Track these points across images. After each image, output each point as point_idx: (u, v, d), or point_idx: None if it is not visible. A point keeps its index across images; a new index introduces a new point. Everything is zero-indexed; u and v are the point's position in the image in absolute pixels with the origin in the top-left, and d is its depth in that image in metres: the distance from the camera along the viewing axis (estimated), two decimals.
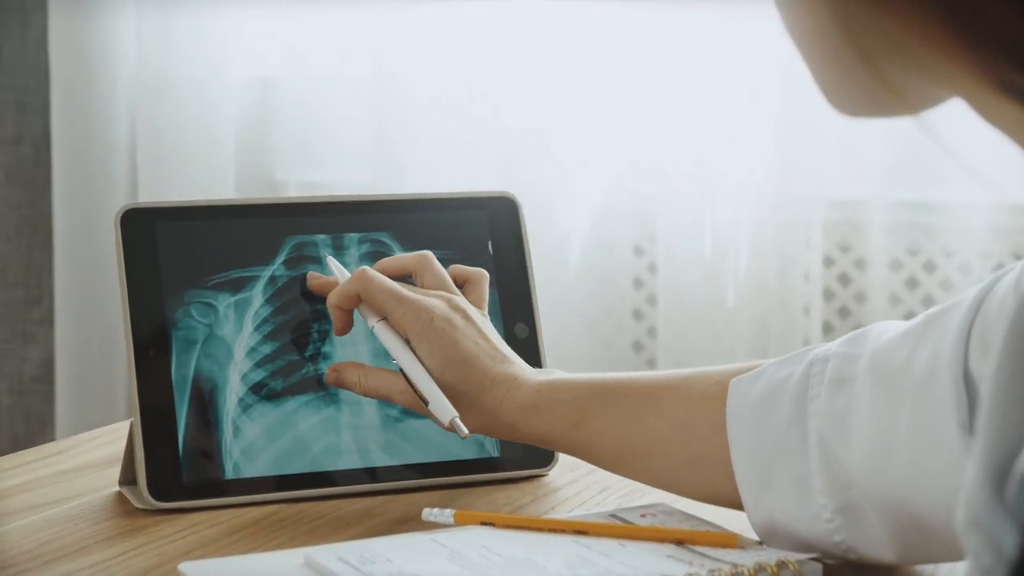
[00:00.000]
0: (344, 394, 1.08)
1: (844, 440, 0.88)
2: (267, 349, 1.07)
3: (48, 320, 2.39)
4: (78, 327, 2.31)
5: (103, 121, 2.30)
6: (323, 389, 1.08)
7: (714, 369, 0.96)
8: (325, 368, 1.07)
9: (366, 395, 1.06)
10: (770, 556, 0.89)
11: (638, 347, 2.18)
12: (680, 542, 0.92)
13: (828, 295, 2.09)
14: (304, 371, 1.08)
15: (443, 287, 1.06)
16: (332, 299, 1.05)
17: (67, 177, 2.31)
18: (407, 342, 1.03)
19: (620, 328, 2.16)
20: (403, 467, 1.08)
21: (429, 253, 1.08)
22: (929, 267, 2.05)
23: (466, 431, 1.01)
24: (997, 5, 0.48)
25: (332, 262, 1.09)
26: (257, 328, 1.08)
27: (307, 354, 1.08)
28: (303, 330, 1.09)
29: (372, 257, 1.11)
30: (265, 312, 1.08)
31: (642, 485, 1.09)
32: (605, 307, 2.16)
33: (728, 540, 0.91)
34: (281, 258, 1.09)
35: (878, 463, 0.86)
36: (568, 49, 2.12)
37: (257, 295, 1.08)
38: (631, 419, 0.97)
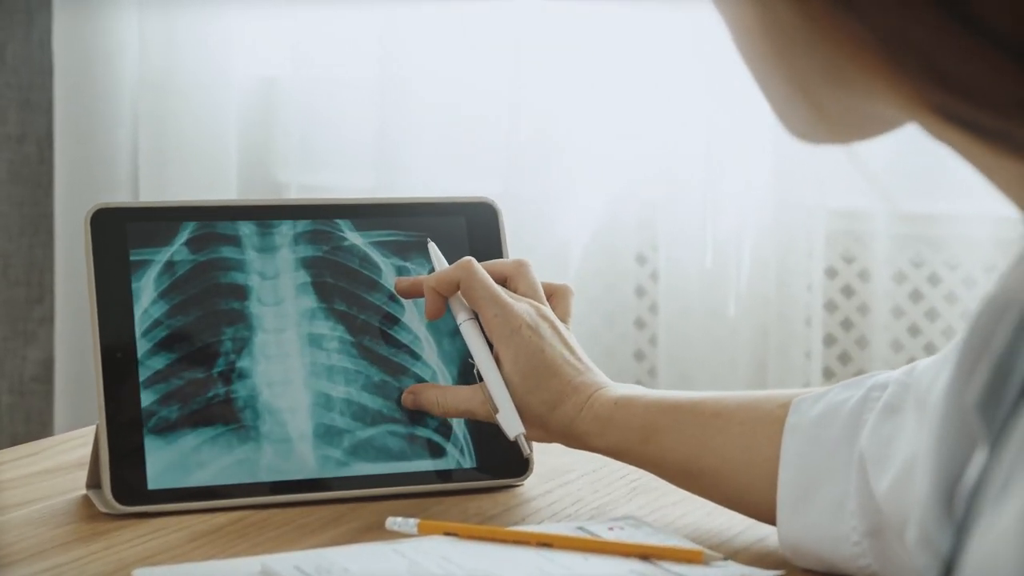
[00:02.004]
0: (263, 428, 1.06)
1: (881, 464, 0.88)
2: (158, 363, 1.06)
3: (49, 319, 2.38)
4: (79, 327, 2.30)
5: (106, 120, 2.29)
6: (236, 421, 1.06)
7: (782, 392, 0.98)
8: (239, 389, 1.06)
9: (446, 415, 1.08)
10: (733, 572, 0.87)
11: (639, 356, 2.16)
12: (645, 557, 0.90)
13: (831, 307, 2.07)
14: (210, 395, 1.07)
15: (534, 296, 1.08)
16: (432, 282, 1.07)
17: (70, 176, 2.30)
18: (491, 346, 1.05)
19: (622, 336, 2.15)
20: (374, 475, 1.07)
21: (527, 260, 1.10)
22: (933, 280, 2.03)
23: (528, 451, 1.05)
24: (924, 31, 0.48)
25: (433, 248, 1.11)
26: (145, 334, 1.07)
27: (215, 370, 1.07)
28: (211, 336, 1.07)
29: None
30: (157, 312, 1.07)
31: (614, 499, 1.08)
32: (607, 315, 2.14)
33: (694, 556, 0.90)
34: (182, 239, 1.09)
35: (902, 487, 0.86)
36: (571, 56, 2.10)
37: (148, 286, 1.07)
38: (698, 438, 0.98)
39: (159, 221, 1.07)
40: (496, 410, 1.04)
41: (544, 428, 1.04)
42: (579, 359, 1.05)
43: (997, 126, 0.49)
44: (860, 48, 0.50)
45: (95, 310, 1.04)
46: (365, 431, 1.09)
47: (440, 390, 1.08)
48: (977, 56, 0.48)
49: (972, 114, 0.49)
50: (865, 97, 0.52)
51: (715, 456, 0.97)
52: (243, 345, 1.08)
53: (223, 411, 1.06)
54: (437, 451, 1.09)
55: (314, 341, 1.10)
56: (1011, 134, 0.49)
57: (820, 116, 0.54)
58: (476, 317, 1.07)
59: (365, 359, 1.11)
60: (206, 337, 1.07)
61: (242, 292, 1.09)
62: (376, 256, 1.14)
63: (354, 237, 1.13)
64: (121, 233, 1.06)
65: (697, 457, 0.98)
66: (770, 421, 0.95)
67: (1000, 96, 0.48)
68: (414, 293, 1.10)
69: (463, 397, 1.06)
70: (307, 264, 1.12)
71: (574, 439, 1.03)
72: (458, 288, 1.07)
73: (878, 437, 0.89)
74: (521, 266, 1.09)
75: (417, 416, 1.10)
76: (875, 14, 0.49)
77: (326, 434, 1.08)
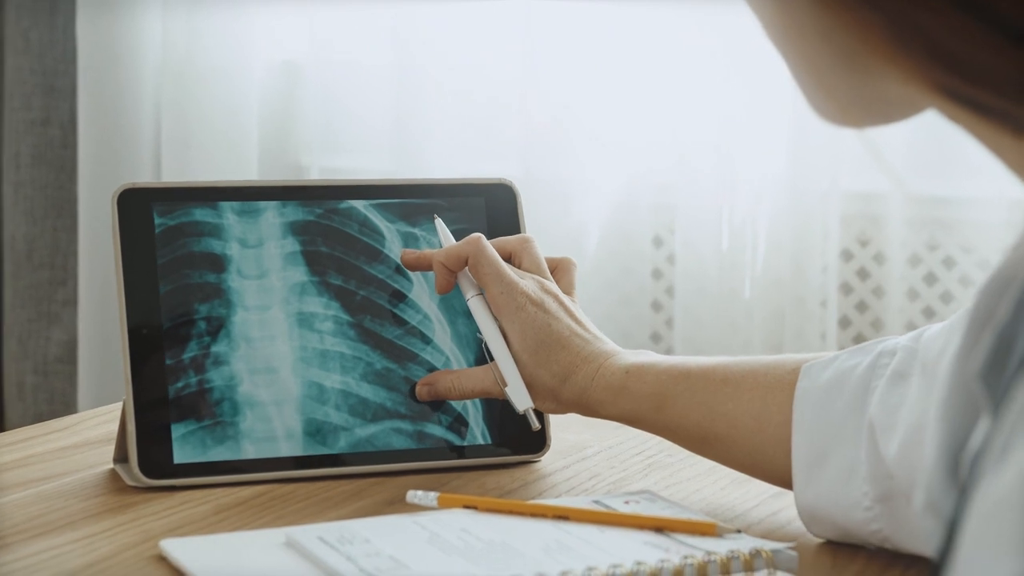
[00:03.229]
0: (242, 425, 1.06)
1: (889, 430, 0.89)
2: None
3: (72, 301, 2.41)
4: (101, 309, 2.33)
5: (129, 104, 2.31)
6: (211, 417, 1.06)
7: (791, 357, 0.99)
8: (214, 378, 1.06)
9: (464, 399, 1.09)
10: (745, 544, 0.89)
11: (656, 338, 2.18)
12: (660, 529, 0.92)
13: (846, 289, 2.09)
14: (179, 385, 1.07)
15: (539, 271, 1.09)
16: (441, 256, 1.08)
17: (93, 160, 2.32)
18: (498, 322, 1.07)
19: (639, 318, 2.16)
20: (395, 451, 1.09)
21: (530, 236, 1.11)
22: (948, 262, 2.04)
23: (537, 425, 1.06)
24: (929, 15, 0.50)
25: (440, 223, 1.12)
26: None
27: (186, 355, 1.06)
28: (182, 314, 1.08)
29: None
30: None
31: (630, 474, 1.10)
32: (624, 297, 2.16)
33: (707, 528, 0.92)
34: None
35: (910, 452, 0.87)
36: (587, 40, 2.12)
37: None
38: (710, 404, 1.00)
39: (185, 201, 1.09)
40: (505, 385, 1.05)
41: (556, 400, 1.05)
42: (586, 329, 1.07)
43: (1001, 106, 0.51)
44: (869, 32, 0.51)
45: (122, 288, 1.06)
46: (365, 428, 1.08)
47: (454, 375, 1.09)
48: (980, 39, 0.49)
49: (977, 95, 0.51)
50: (876, 81, 0.54)
51: (727, 422, 0.99)
52: (220, 325, 1.08)
53: (196, 405, 1.05)
54: (455, 429, 1.11)
55: (304, 321, 1.09)
56: (1014, 114, 0.51)
57: (833, 100, 0.56)
58: (481, 294, 1.08)
59: (365, 343, 1.10)
60: (176, 316, 1.07)
61: (219, 262, 1.09)
62: (379, 221, 1.12)
63: (352, 200, 1.12)
64: (147, 212, 1.08)
65: (710, 423, 1.00)
66: (781, 387, 0.97)
67: (1002, 77, 0.50)
68: (421, 266, 1.10)
69: (478, 377, 1.08)
70: (296, 230, 1.11)
71: (587, 409, 1.05)
72: (467, 264, 1.08)
73: (887, 404, 0.90)
74: (525, 242, 1.10)
75: (426, 412, 1.09)
76: (889, 5, 0.50)
77: (318, 432, 1.07)
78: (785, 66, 0.58)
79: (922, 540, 0.89)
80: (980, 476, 0.52)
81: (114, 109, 2.31)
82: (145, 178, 2.29)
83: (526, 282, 1.07)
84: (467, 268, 1.08)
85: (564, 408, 1.06)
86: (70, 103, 2.38)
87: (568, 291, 1.10)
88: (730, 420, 0.99)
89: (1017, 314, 0.56)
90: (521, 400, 1.05)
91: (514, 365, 1.06)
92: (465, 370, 1.09)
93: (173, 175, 2.27)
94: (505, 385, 1.06)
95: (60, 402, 2.42)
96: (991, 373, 0.55)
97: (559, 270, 1.11)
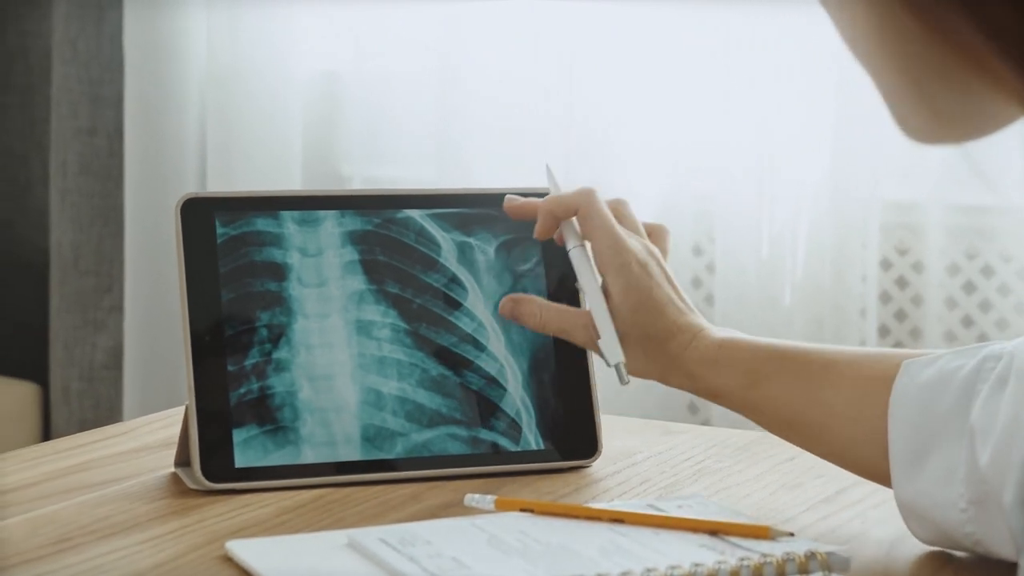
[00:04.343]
0: (303, 430, 1.09)
1: (987, 435, 0.88)
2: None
3: (118, 308, 2.44)
4: (147, 315, 2.36)
5: (174, 114, 2.35)
6: (273, 423, 1.08)
7: (892, 351, 0.98)
8: (276, 384, 1.08)
9: (543, 330, 1.08)
10: (800, 547, 0.91)
11: None
12: (714, 532, 0.94)
13: (885, 298, 2.10)
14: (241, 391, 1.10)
15: (637, 233, 1.08)
16: (550, 204, 1.07)
17: (139, 168, 2.36)
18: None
19: None
20: (450, 456, 1.11)
21: (626, 200, 1.09)
22: (987, 271, 2.05)
23: (627, 379, 1.05)
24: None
25: (549, 170, 1.13)
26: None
27: (248, 362, 1.09)
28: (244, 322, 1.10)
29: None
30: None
31: (680, 479, 1.12)
32: None
33: (761, 532, 0.93)
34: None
35: (1002, 457, 0.87)
36: (626, 49, 2.14)
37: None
38: (805, 389, 0.98)
39: (247, 210, 1.12)
40: (598, 337, 1.05)
41: (645, 362, 1.04)
42: (683, 299, 1.05)
43: None
44: (972, 45, 0.52)
45: (185, 296, 1.09)
46: (421, 434, 1.10)
47: (542, 304, 1.08)
48: None
49: None
50: (978, 94, 0.54)
51: (822, 409, 0.97)
52: (280, 332, 1.10)
53: (257, 410, 1.08)
54: (508, 434, 1.13)
55: (362, 329, 1.11)
56: None
57: (935, 114, 0.56)
58: (584, 245, 1.08)
59: (421, 350, 1.12)
60: (238, 324, 1.09)
61: (280, 271, 1.12)
62: (434, 230, 1.14)
63: (409, 210, 1.14)
64: (209, 222, 1.11)
65: (804, 407, 0.98)
66: (881, 380, 0.95)
67: None
68: (524, 214, 1.10)
69: (563, 316, 1.07)
70: (355, 239, 1.13)
71: (678, 379, 1.04)
72: (575, 214, 1.07)
73: (988, 409, 0.89)
74: (621, 204, 1.09)
75: (481, 418, 1.11)
76: (986, 12, 0.51)
77: (376, 436, 1.09)
78: (874, 82, 0.58)
79: (1013, 544, 0.89)
80: None
81: (160, 118, 2.34)
82: (190, 187, 2.32)
83: (633, 241, 1.06)
84: (574, 219, 1.07)
85: (650, 372, 1.05)
86: (116, 112, 2.41)
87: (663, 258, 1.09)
88: (826, 408, 0.97)
89: None
90: (613, 354, 1.04)
91: (610, 319, 1.05)
92: (554, 304, 1.08)
93: (218, 184, 2.30)
94: (598, 337, 1.05)
95: (105, 408, 2.45)
96: None
97: (655, 236, 1.09)
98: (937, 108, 0.56)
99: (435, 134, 2.24)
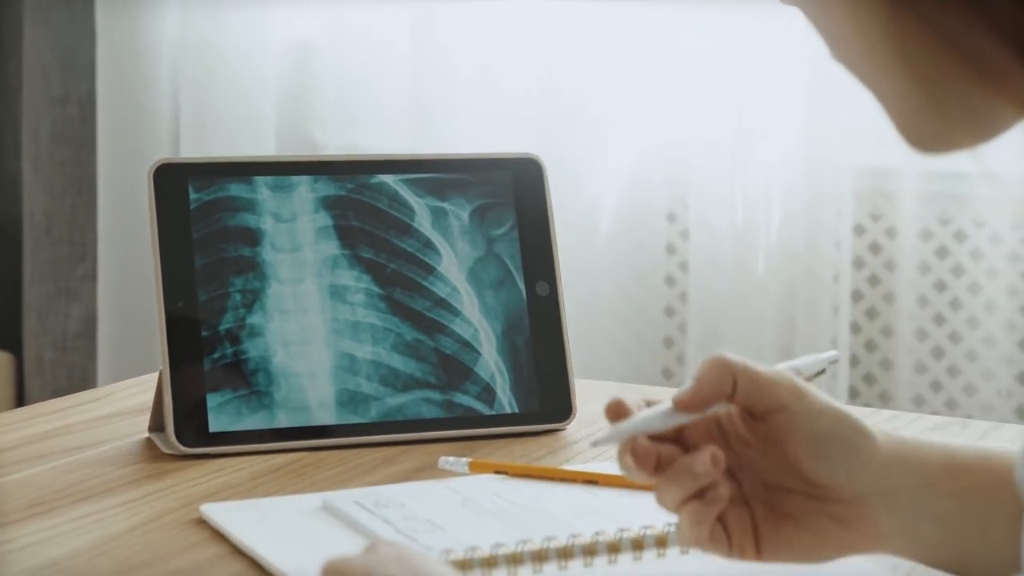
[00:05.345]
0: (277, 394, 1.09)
1: None
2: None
3: (91, 277, 2.43)
4: (121, 285, 2.35)
5: (147, 82, 2.34)
6: (246, 387, 1.08)
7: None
8: (249, 349, 1.08)
9: None
10: None
11: (670, 312, 2.21)
12: None
13: (858, 263, 2.11)
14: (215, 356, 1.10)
15: None
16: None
17: (111, 137, 2.35)
18: None
19: (653, 293, 2.19)
20: (424, 420, 1.11)
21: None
22: (960, 236, 2.06)
23: None
24: None
25: None
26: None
27: (222, 327, 1.09)
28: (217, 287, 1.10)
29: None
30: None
31: None
32: (638, 273, 2.18)
33: None
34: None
35: None
36: (603, 17, 2.13)
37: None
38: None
39: (220, 176, 1.12)
40: None
41: None
42: None
43: None
44: (980, 50, 0.52)
45: (158, 261, 1.09)
46: (395, 398, 1.11)
47: None
48: None
49: None
50: (986, 99, 0.55)
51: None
52: (254, 298, 1.10)
53: (231, 375, 1.08)
54: (483, 398, 1.13)
55: (336, 294, 1.11)
56: None
57: (947, 122, 0.56)
58: None
59: (396, 315, 1.12)
60: (211, 289, 1.09)
61: (253, 236, 1.11)
62: (408, 195, 1.14)
63: (383, 175, 1.14)
64: (183, 187, 1.10)
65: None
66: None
67: None
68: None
69: None
70: (328, 204, 1.13)
71: None
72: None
73: None
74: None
75: (455, 382, 1.12)
76: (1001, 18, 0.51)
77: (350, 401, 1.10)
78: (877, 96, 0.57)
79: None
80: None
81: (133, 87, 2.33)
82: (163, 155, 2.31)
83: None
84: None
85: None
86: (88, 80, 2.40)
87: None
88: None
89: None
90: None
91: None
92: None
93: (191, 152, 2.29)
94: None
95: (79, 377, 2.44)
96: None
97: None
98: (949, 116, 0.56)
99: (410, 102, 2.24)
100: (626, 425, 0.77)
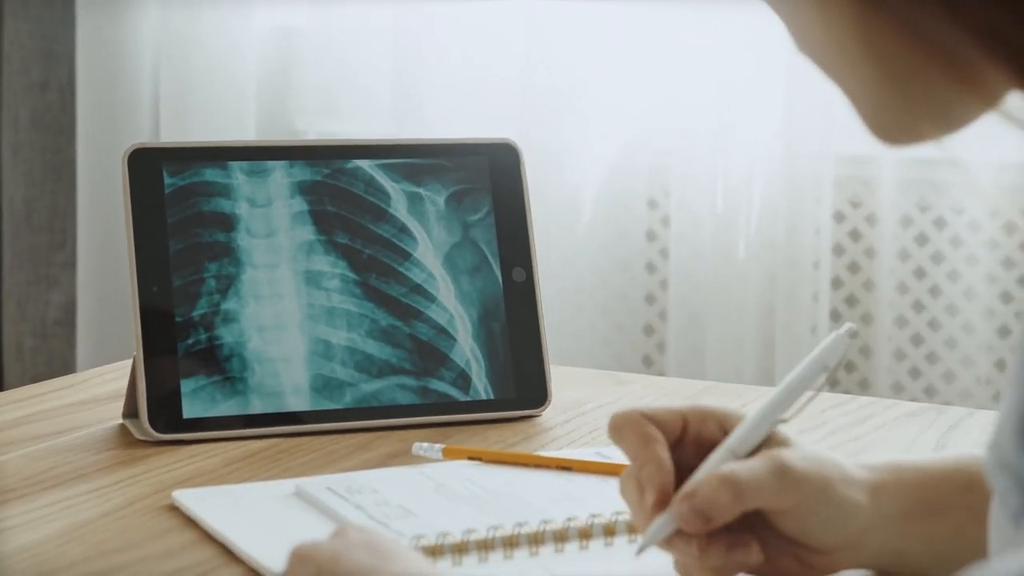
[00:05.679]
0: (251, 380, 1.09)
1: None
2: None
3: (71, 264, 2.42)
4: (100, 271, 2.35)
5: (127, 69, 2.33)
6: (220, 373, 1.08)
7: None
8: (224, 335, 1.08)
9: None
10: None
11: (650, 299, 2.20)
12: None
13: (838, 250, 2.11)
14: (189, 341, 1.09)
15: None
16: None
17: (91, 124, 2.34)
18: None
19: (633, 281, 2.19)
20: (399, 406, 1.11)
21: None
22: (939, 223, 2.06)
23: None
24: (1009, 19, 0.51)
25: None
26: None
27: (196, 313, 1.08)
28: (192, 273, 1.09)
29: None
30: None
31: None
32: (618, 260, 2.18)
33: None
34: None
35: None
36: (585, 5, 2.13)
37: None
38: None
39: (195, 161, 1.11)
40: None
41: None
42: None
43: None
44: (947, 44, 0.52)
45: (132, 246, 1.08)
46: (370, 384, 1.10)
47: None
48: None
49: None
50: (952, 91, 0.55)
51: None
52: (229, 283, 1.10)
53: (206, 361, 1.08)
54: (458, 384, 1.13)
55: (312, 279, 1.11)
56: None
57: (913, 115, 0.56)
58: None
59: (371, 301, 1.12)
60: (186, 274, 1.09)
61: (228, 222, 1.11)
62: (384, 180, 1.14)
63: (359, 160, 1.13)
64: (157, 172, 1.10)
65: None
66: None
67: None
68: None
69: None
70: (304, 189, 1.13)
71: None
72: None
73: None
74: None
75: (431, 368, 1.12)
76: (967, 11, 0.51)
77: (325, 387, 1.09)
78: (843, 90, 0.58)
79: None
80: None
81: (113, 74, 2.33)
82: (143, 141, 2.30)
83: None
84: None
85: None
86: (69, 67, 2.39)
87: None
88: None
89: None
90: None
91: None
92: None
93: (172, 138, 2.28)
94: None
95: (59, 364, 2.44)
96: None
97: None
98: (916, 109, 0.56)
99: (391, 89, 2.23)
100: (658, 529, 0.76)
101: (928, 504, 0.79)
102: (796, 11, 0.58)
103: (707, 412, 0.80)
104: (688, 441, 0.79)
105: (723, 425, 0.79)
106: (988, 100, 0.54)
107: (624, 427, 0.79)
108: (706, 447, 0.78)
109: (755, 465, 0.75)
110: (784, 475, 0.75)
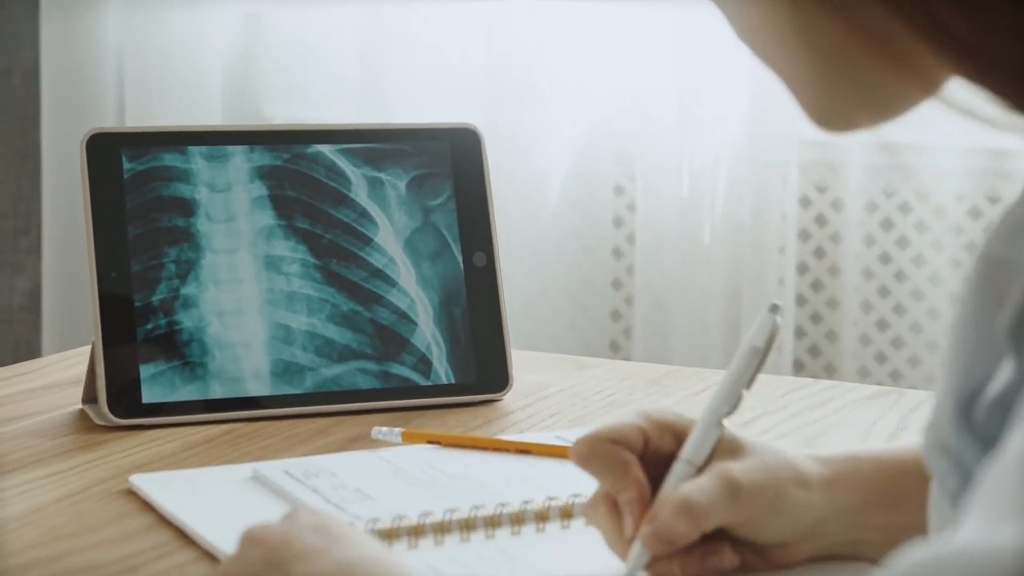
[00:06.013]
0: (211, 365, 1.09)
1: None
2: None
3: (36, 250, 2.41)
4: (65, 257, 2.34)
5: (92, 54, 2.32)
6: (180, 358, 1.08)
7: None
8: (184, 320, 1.08)
9: None
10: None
11: (617, 284, 2.21)
12: None
13: (804, 235, 2.11)
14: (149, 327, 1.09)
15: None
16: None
17: (56, 110, 2.33)
18: None
19: (600, 265, 2.19)
20: (359, 390, 1.11)
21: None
22: (904, 208, 2.07)
23: None
24: (952, 12, 0.51)
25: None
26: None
27: (155, 298, 1.08)
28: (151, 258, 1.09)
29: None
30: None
31: (591, 411, 1.12)
32: (585, 245, 2.18)
33: None
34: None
35: None
36: None
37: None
38: None
39: (154, 145, 1.11)
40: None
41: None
42: None
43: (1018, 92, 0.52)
44: (885, 33, 0.53)
45: (91, 231, 1.08)
46: (331, 368, 1.10)
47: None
48: (1002, 30, 0.50)
49: (996, 84, 0.52)
50: (890, 79, 0.55)
51: None
52: (188, 268, 1.10)
53: (165, 346, 1.07)
54: (419, 369, 1.13)
55: (272, 264, 1.11)
56: None
57: (851, 102, 0.57)
58: None
59: (332, 285, 1.12)
60: (145, 259, 1.09)
61: (188, 207, 1.11)
62: (345, 165, 1.14)
63: (319, 145, 1.13)
64: (116, 157, 1.10)
65: None
66: None
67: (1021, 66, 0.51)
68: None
69: None
70: (264, 174, 1.12)
71: None
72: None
73: None
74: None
75: (391, 352, 1.11)
76: (908, 1, 0.51)
77: (285, 371, 1.09)
78: (781, 77, 0.58)
79: None
80: (1010, 427, 0.52)
81: (77, 58, 2.31)
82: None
83: None
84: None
85: None
86: (33, 52, 2.38)
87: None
88: None
89: None
90: None
91: None
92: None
93: (137, 124, 2.27)
94: None
95: (24, 350, 2.43)
96: (1018, 328, 0.54)
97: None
98: (853, 96, 0.56)
99: (357, 75, 2.23)
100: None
101: (886, 495, 0.80)
102: (744, 8, 0.58)
103: (663, 424, 0.81)
104: (648, 455, 0.80)
105: (677, 435, 0.80)
106: (926, 87, 0.55)
107: (594, 456, 0.80)
108: (665, 459, 0.79)
109: (708, 486, 0.77)
110: (735, 493, 0.77)
